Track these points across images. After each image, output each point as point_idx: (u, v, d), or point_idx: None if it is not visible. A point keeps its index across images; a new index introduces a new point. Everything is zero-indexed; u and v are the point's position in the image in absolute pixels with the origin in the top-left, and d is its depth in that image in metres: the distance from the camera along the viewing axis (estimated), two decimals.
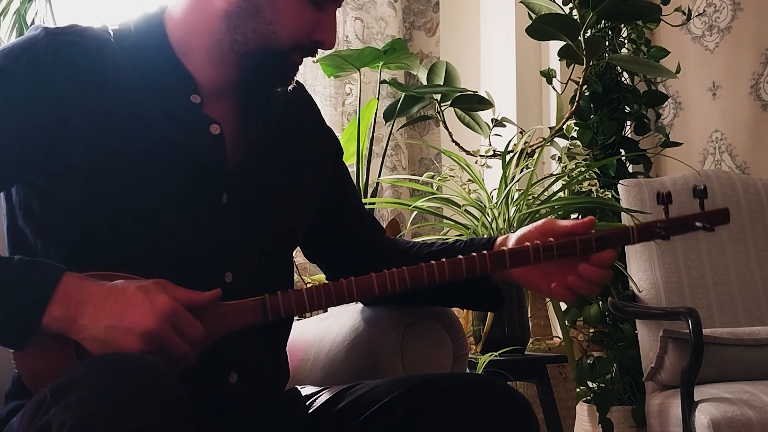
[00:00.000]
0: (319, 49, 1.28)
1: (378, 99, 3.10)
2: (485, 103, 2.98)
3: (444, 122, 3.06)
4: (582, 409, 3.02)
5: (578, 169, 2.58)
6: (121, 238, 1.20)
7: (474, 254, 1.27)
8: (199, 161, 1.24)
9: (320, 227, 1.45)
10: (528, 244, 1.28)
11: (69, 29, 1.24)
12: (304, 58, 1.28)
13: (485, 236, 1.43)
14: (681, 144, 3.18)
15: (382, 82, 3.15)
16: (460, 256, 1.27)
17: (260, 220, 1.30)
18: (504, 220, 2.32)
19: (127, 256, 1.20)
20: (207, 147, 1.24)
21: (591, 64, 2.88)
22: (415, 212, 2.85)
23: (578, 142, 3.02)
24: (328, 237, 1.48)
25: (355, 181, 2.85)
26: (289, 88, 1.31)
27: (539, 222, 1.34)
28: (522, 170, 2.50)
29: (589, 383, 2.95)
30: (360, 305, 1.55)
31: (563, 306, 2.92)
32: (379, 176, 3.12)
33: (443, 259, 1.26)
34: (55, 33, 1.22)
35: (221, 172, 1.25)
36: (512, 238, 1.36)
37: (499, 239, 1.39)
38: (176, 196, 1.22)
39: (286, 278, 1.40)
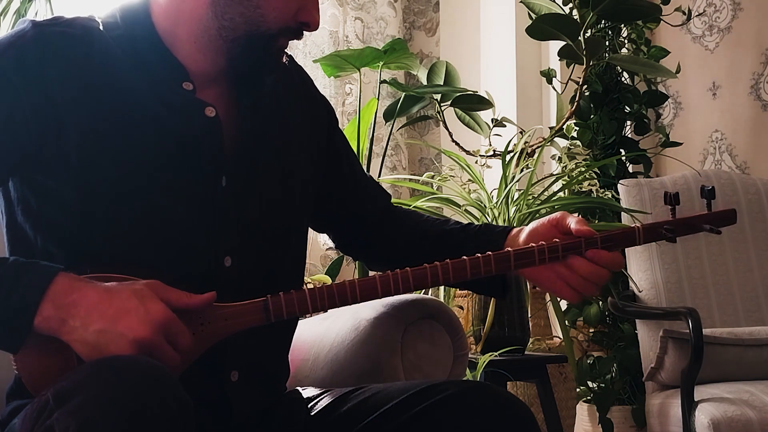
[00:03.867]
0: (305, 32, 1.27)
1: (378, 99, 3.10)
2: (485, 103, 2.99)
3: (444, 122, 3.06)
4: (582, 409, 3.02)
5: (578, 169, 2.59)
6: (120, 227, 1.19)
7: (479, 255, 1.27)
8: (195, 145, 1.23)
9: (322, 199, 1.44)
10: (533, 245, 1.28)
11: (56, 20, 1.23)
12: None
13: (501, 226, 1.43)
14: (681, 144, 3.18)
15: (382, 82, 3.14)
16: (465, 258, 1.27)
17: (260, 202, 1.29)
18: (504, 220, 2.32)
19: (126, 244, 1.19)
20: (203, 130, 1.24)
21: (591, 64, 2.88)
22: None
23: (578, 142, 3.02)
24: (331, 208, 1.48)
25: None
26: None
27: (553, 215, 1.33)
28: (522, 170, 2.50)
29: (589, 383, 2.95)
30: (360, 305, 1.55)
31: (563, 306, 2.93)
32: (379, 176, 3.12)
33: (447, 261, 1.26)
34: (43, 25, 1.21)
35: (219, 155, 1.25)
36: (525, 232, 1.36)
37: (514, 231, 1.39)
38: (174, 181, 1.21)
39: (294, 263, 1.37)
